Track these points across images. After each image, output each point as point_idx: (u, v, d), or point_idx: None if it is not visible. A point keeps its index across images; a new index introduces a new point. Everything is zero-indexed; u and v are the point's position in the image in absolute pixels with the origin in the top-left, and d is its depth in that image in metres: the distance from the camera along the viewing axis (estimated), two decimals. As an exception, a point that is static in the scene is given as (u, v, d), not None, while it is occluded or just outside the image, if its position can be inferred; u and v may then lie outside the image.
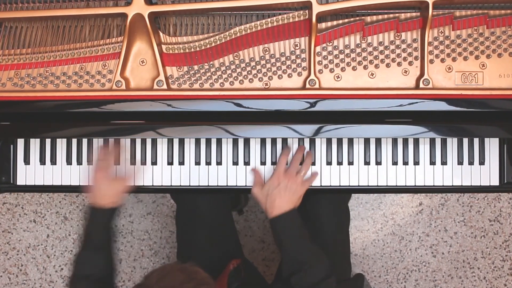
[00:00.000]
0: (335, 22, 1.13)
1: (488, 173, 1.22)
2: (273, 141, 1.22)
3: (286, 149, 1.21)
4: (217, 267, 1.24)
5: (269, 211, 1.14)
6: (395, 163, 1.22)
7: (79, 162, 1.24)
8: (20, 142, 1.24)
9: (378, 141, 1.22)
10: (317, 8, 1.08)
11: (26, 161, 1.24)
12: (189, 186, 1.23)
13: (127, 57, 1.14)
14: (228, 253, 1.32)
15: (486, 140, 1.22)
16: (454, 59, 1.12)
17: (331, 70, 1.13)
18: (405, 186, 1.23)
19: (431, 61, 1.12)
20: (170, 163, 1.23)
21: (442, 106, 1.11)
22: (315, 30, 1.10)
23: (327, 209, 1.31)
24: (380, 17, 1.13)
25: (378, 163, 1.22)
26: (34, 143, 1.24)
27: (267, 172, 1.22)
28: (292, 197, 1.14)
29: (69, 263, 1.08)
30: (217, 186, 1.23)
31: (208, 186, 1.23)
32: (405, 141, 1.22)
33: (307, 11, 1.11)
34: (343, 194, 1.37)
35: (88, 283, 1.10)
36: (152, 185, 1.24)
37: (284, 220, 1.13)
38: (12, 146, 1.24)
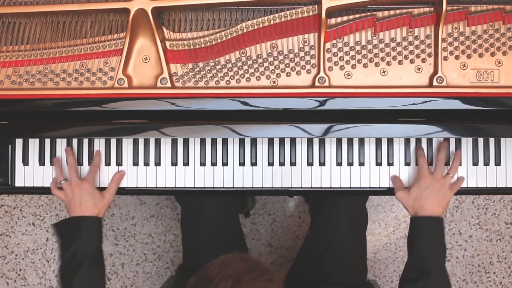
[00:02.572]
0: (345, 18, 1.11)
1: (504, 174, 1.19)
2: (281, 141, 1.20)
3: (420, 149, 1.16)
4: None
5: (418, 213, 1.10)
6: (407, 163, 1.19)
7: (80, 163, 1.21)
8: (19, 142, 1.22)
9: (390, 141, 1.19)
10: (327, 3, 1.06)
11: (25, 161, 1.22)
12: (194, 187, 1.21)
13: (129, 54, 1.12)
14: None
15: (502, 140, 1.19)
16: (469, 56, 1.10)
17: (341, 68, 1.11)
18: (418, 187, 1.19)
19: (445, 58, 1.10)
20: (174, 163, 1.20)
21: (457, 105, 1.09)
22: (324, 26, 1.08)
23: (343, 210, 1.28)
24: (392, 12, 1.10)
25: (390, 164, 1.19)
26: (33, 143, 1.22)
27: (281, 172, 1.19)
28: (442, 201, 1.10)
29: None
30: (223, 187, 1.21)
31: (213, 187, 1.20)
32: (418, 141, 1.19)
33: (316, 6, 1.09)
34: (354, 196, 1.34)
35: None
36: (156, 187, 1.21)
37: (429, 223, 1.09)
38: (10, 146, 1.22)
